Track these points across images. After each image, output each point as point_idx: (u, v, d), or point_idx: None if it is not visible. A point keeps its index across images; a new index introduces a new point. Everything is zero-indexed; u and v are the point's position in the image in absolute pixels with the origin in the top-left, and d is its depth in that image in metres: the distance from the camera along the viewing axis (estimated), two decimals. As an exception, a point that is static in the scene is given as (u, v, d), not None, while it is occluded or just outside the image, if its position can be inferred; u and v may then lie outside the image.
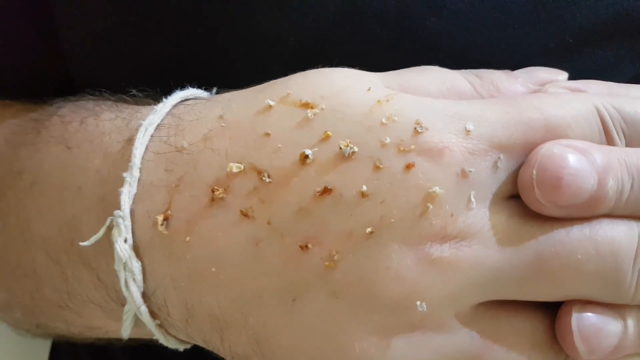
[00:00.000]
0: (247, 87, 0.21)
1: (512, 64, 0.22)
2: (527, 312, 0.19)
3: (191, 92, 0.22)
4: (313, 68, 0.20)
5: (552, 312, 0.19)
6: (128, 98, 0.23)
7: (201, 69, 0.24)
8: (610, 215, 0.18)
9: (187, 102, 0.21)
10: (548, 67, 0.22)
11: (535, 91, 0.21)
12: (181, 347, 0.22)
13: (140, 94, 0.23)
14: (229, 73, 0.24)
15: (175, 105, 0.21)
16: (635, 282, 0.18)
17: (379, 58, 0.22)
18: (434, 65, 0.21)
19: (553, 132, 0.18)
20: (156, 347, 0.22)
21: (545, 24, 0.22)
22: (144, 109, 0.22)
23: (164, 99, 0.21)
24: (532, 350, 0.19)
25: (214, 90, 0.23)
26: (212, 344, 0.21)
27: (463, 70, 0.21)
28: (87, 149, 0.21)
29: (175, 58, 0.24)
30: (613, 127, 0.19)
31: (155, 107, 0.21)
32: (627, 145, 0.19)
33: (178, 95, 0.22)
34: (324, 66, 0.20)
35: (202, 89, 0.22)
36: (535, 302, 0.19)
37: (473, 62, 0.22)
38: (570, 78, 0.22)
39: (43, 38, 0.26)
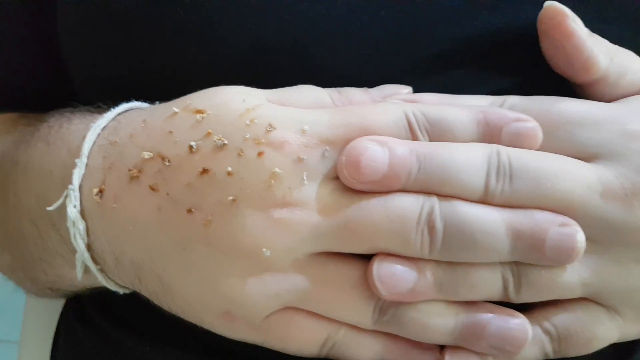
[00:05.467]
0: None
1: (383, 80, 0.29)
2: (350, 262, 0.26)
3: (135, 104, 0.30)
4: None
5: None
6: (102, 107, 0.31)
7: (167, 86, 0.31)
8: (404, 190, 0.25)
9: (129, 111, 0.30)
10: (413, 83, 0.29)
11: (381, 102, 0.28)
12: (120, 291, 0.30)
13: (106, 105, 0.31)
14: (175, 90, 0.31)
15: (120, 113, 0.29)
16: (420, 240, 0.24)
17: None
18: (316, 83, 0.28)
19: (366, 132, 0.25)
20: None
21: (411, 46, 0.28)
22: (100, 116, 0.30)
23: (112, 109, 0.30)
24: (352, 289, 0.25)
25: (157, 103, 0.31)
26: (135, 285, 0.28)
27: (330, 88, 0.28)
28: (59, 145, 0.30)
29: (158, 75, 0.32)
30: (417, 128, 0.26)
31: (105, 114, 0.29)
32: (430, 140, 0.26)
33: (124, 106, 0.30)
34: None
35: (150, 101, 0.30)
36: (358, 254, 0.26)
37: (354, 80, 0.29)
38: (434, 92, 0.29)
39: (51, 62, 0.35)
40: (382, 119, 0.25)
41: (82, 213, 0.28)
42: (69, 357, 0.37)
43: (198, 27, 0.29)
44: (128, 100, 0.30)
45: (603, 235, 0.25)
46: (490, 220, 0.24)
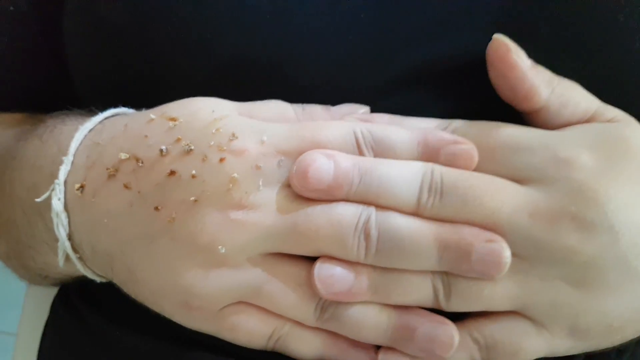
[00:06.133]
0: None
1: (351, 96, 0.31)
2: (299, 263, 0.28)
3: (122, 109, 0.33)
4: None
5: None
6: (93, 111, 0.34)
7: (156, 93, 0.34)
8: (346, 200, 0.27)
9: (115, 116, 0.33)
10: (377, 101, 0.31)
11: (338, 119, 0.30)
12: (97, 279, 0.33)
13: (97, 109, 0.34)
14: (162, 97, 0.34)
15: (107, 117, 0.33)
16: (356, 245, 0.26)
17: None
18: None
19: (318, 145, 0.28)
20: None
21: (376, 67, 0.31)
22: (89, 119, 0.33)
23: (100, 113, 0.33)
24: (297, 288, 0.28)
25: (143, 109, 0.34)
26: (108, 274, 0.31)
27: (297, 104, 0.31)
28: (51, 143, 0.33)
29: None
30: (364, 145, 0.28)
31: (93, 118, 0.33)
32: (374, 156, 0.28)
33: (110, 111, 0.33)
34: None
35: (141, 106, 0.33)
36: (307, 256, 0.28)
37: (323, 95, 0.31)
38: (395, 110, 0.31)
39: (58, 67, 0.38)
40: (333, 134, 0.28)
41: (66, 205, 0.31)
42: (54, 343, 0.39)
43: (182, 41, 0.32)
44: (122, 104, 0.33)
45: (530, 253, 0.27)
46: (419, 231, 0.26)
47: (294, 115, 0.30)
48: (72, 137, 0.32)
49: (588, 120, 0.29)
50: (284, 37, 0.31)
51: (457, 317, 0.28)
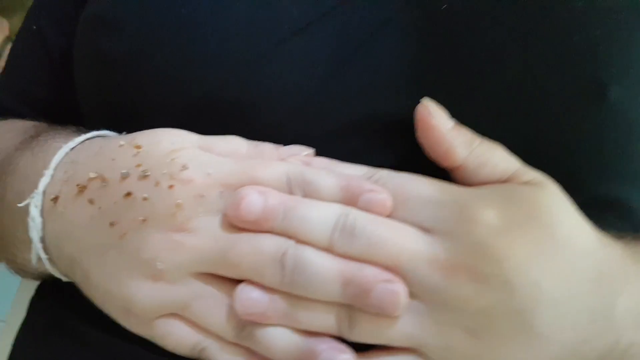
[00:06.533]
0: None
1: (299, 141, 0.35)
2: (227, 284, 0.31)
3: (103, 132, 0.38)
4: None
5: None
6: (81, 131, 0.39)
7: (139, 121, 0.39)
8: (271, 232, 0.31)
9: (96, 138, 0.37)
10: (318, 147, 0.34)
11: (283, 159, 0.34)
12: (63, 278, 0.37)
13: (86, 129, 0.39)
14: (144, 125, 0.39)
15: (88, 138, 0.37)
16: (273, 273, 0.30)
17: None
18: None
19: (255, 182, 0.31)
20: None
21: (323, 117, 0.35)
22: (72, 139, 0.38)
23: (84, 134, 0.37)
24: (221, 306, 0.31)
25: (124, 133, 0.38)
26: (70, 275, 0.36)
27: (253, 141, 0.35)
28: (40, 156, 0.38)
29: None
30: (294, 185, 0.32)
31: (76, 138, 0.37)
32: (303, 196, 0.32)
33: (93, 133, 0.37)
34: None
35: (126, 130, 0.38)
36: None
37: (279, 138, 0.35)
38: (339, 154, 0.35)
39: (69, 84, 0.44)
40: (269, 173, 0.32)
41: (42, 212, 0.35)
42: (26, 331, 0.44)
43: (163, 78, 0.36)
44: (112, 128, 0.38)
45: (426, 298, 0.30)
46: (326, 265, 0.30)
47: (246, 152, 0.34)
48: (55, 153, 0.36)
49: (506, 180, 0.32)
50: (252, 82, 0.35)
51: (367, 348, 0.31)
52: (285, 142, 0.35)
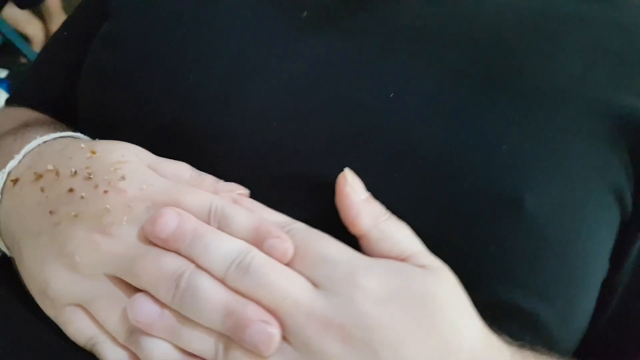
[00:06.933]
0: None
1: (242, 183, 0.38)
2: (131, 290, 0.34)
3: (75, 134, 0.42)
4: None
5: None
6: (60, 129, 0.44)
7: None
8: (176, 252, 0.33)
9: (67, 137, 0.41)
10: (255, 190, 0.38)
11: (217, 192, 0.37)
12: (8, 253, 0.41)
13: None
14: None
15: (62, 136, 0.41)
16: (166, 290, 0.32)
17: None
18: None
19: (179, 205, 0.34)
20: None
21: (269, 166, 0.38)
22: (48, 135, 0.42)
23: (58, 132, 0.42)
24: (118, 309, 0.34)
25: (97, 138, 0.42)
26: (11, 252, 0.39)
27: (199, 171, 0.38)
28: (18, 142, 0.42)
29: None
30: (212, 216, 0.34)
31: (52, 134, 0.41)
32: (218, 227, 0.34)
33: (67, 133, 0.42)
34: None
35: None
36: None
37: (228, 173, 0.38)
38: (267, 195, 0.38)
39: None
40: (194, 200, 0.35)
41: (2, 190, 0.39)
42: None
43: (138, 98, 0.41)
44: (90, 133, 0.43)
45: (298, 345, 0.31)
46: (214, 294, 0.32)
47: (188, 177, 0.38)
48: (29, 142, 0.41)
49: (403, 259, 0.34)
50: (218, 119, 0.39)
51: None
52: (229, 179, 0.38)
